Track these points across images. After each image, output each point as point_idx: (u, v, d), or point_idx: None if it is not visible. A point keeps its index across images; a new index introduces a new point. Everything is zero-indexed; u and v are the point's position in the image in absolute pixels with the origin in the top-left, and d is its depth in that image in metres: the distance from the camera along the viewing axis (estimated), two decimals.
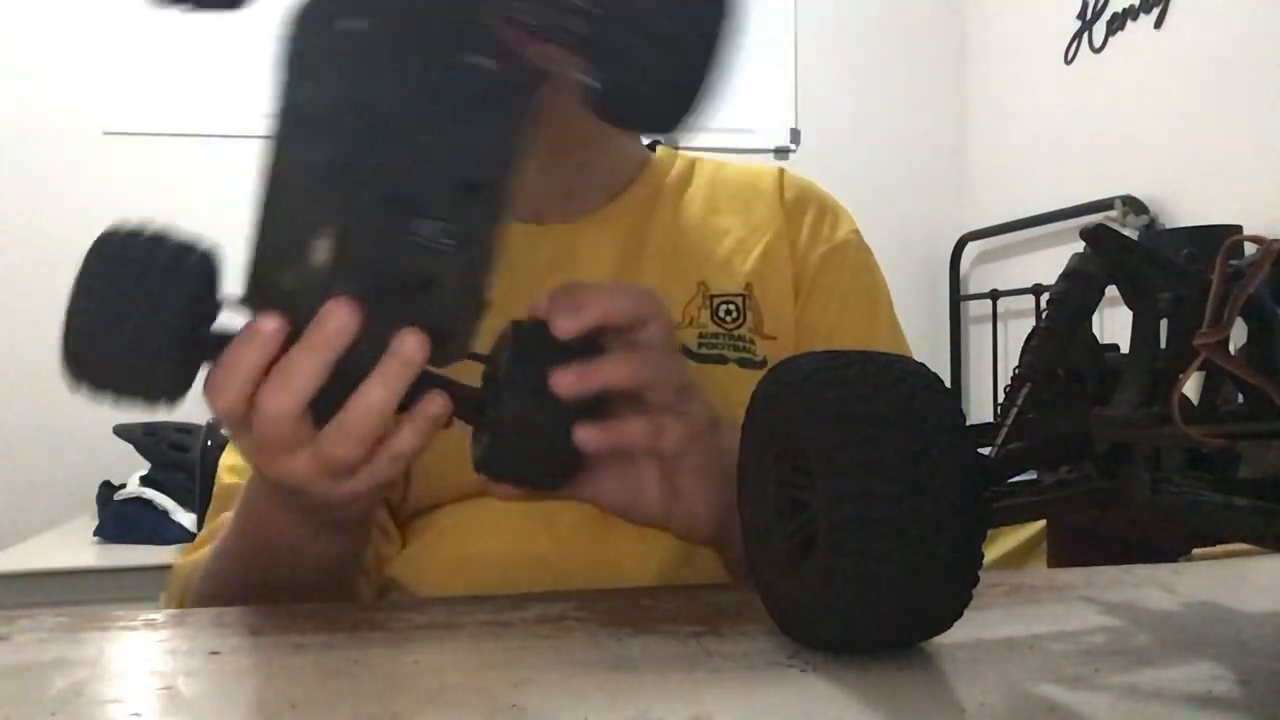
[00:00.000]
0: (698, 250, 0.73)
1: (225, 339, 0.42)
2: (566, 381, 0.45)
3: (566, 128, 0.66)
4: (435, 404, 0.44)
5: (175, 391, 0.42)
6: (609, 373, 0.47)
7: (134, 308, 0.40)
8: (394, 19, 0.37)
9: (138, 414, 0.48)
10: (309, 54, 0.38)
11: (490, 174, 0.39)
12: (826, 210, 0.77)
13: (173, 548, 1.73)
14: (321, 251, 0.40)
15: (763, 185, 0.78)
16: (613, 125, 0.43)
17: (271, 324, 0.41)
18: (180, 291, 0.41)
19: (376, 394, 0.42)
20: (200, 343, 0.42)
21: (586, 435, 0.46)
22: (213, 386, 0.42)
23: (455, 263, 0.40)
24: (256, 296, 0.41)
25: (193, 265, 0.41)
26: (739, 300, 0.71)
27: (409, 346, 0.41)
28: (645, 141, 0.80)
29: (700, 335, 0.70)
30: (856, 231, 0.77)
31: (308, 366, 0.41)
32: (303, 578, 0.54)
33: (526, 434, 0.45)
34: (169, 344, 0.40)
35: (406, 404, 0.43)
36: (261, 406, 0.42)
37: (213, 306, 0.42)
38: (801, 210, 0.76)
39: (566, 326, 0.46)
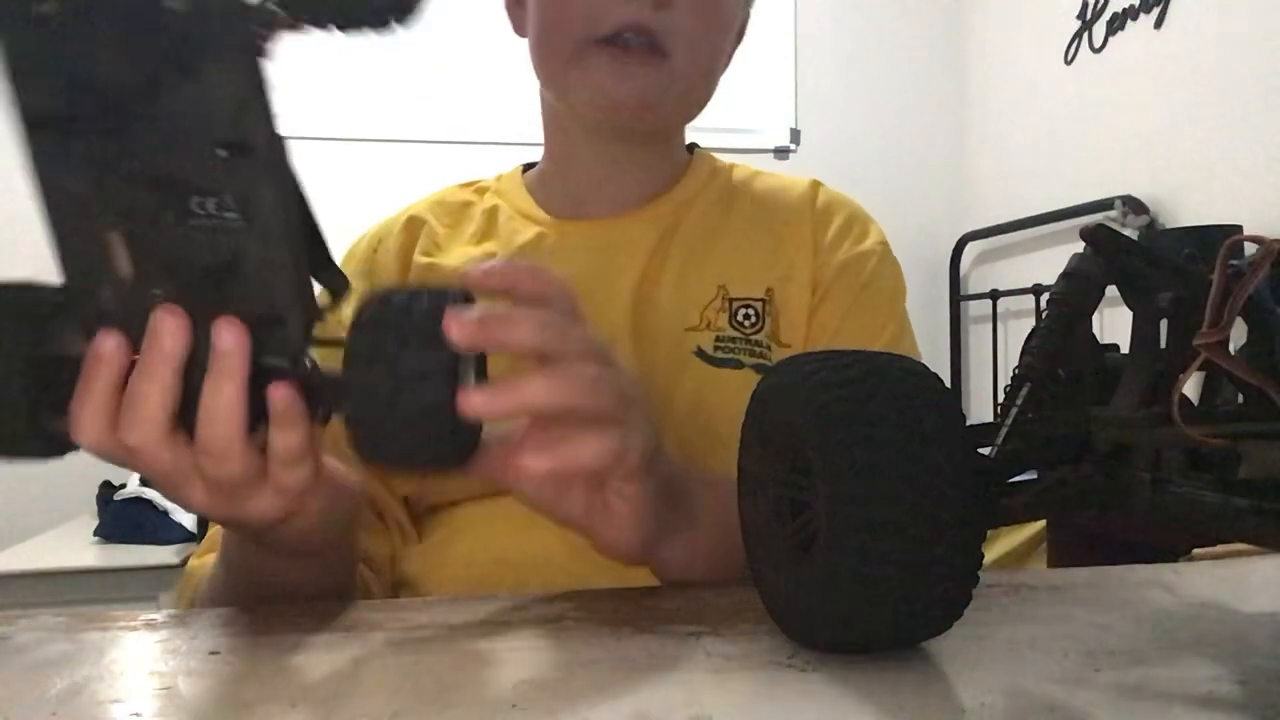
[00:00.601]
0: (721, 254, 0.73)
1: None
2: (475, 403, 0.41)
3: (652, 132, 0.67)
4: (276, 397, 0.40)
5: (49, 444, 0.41)
6: (531, 394, 0.43)
7: None
8: None
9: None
10: (13, 51, 0.34)
11: (247, 127, 0.35)
12: (856, 219, 0.77)
13: (173, 548, 1.73)
14: (120, 260, 0.37)
15: (794, 194, 0.78)
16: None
17: (109, 344, 0.39)
18: (20, 339, 0.39)
19: (213, 399, 0.39)
20: (57, 384, 0.40)
21: (475, 400, 0.41)
22: (75, 427, 0.40)
23: (250, 238, 0.37)
24: (88, 321, 0.39)
25: (27, 309, 0.40)
26: (759, 305, 0.71)
27: (224, 340, 0.38)
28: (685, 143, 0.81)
29: (717, 338, 0.69)
30: (884, 243, 0.76)
31: (153, 391, 0.39)
32: (295, 597, 0.53)
33: (377, 410, 0.40)
34: (20, 398, 0.39)
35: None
36: (125, 444, 0.40)
37: (58, 347, 0.40)
38: (829, 217, 0.76)
39: (456, 334, 0.41)
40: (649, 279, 0.71)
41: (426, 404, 0.40)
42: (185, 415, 0.40)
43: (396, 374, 0.40)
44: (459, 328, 0.40)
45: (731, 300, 0.71)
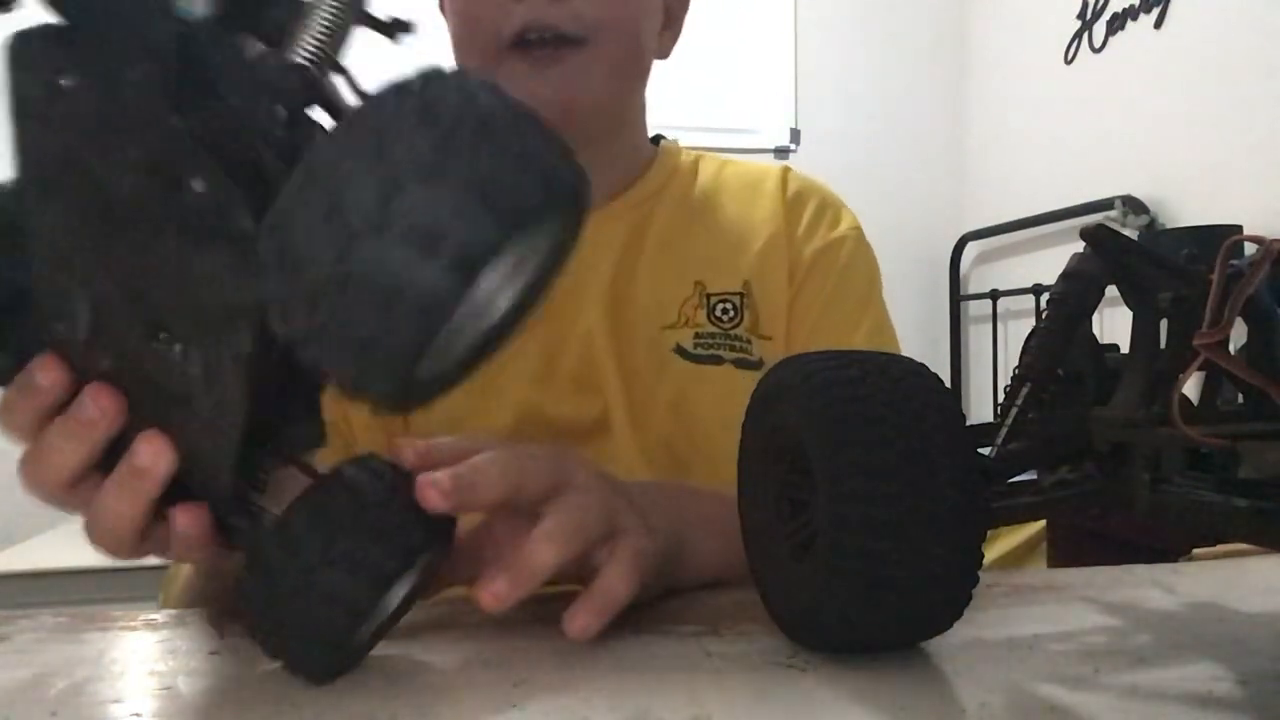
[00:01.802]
0: (696, 248, 0.73)
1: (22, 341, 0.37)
2: (492, 593, 0.39)
3: (575, 127, 0.67)
4: (181, 519, 0.37)
5: None
6: (530, 578, 0.40)
7: None
8: (111, 82, 0.31)
9: None
10: (32, 103, 0.33)
11: (232, 321, 0.32)
12: (828, 206, 0.77)
13: None
14: (83, 317, 0.35)
15: (766, 183, 0.77)
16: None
17: (48, 377, 0.37)
18: None
19: (111, 500, 0.37)
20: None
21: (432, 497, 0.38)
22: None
23: (204, 396, 0.34)
24: (36, 336, 0.37)
25: None
26: (736, 299, 0.71)
27: (142, 455, 0.36)
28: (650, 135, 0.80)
29: (696, 335, 0.69)
30: (857, 228, 0.76)
31: (66, 449, 0.37)
32: None
33: (282, 619, 0.35)
34: None
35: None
36: (23, 478, 0.39)
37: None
38: (801, 205, 0.76)
39: (437, 501, 0.38)
40: (623, 277, 0.71)
41: (333, 614, 0.35)
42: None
43: (311, 584, 0.34)
44: (438, 497, 0.38)
45: (709, 295, 0.70)
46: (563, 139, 0.28)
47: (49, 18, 0.32)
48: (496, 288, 0.30)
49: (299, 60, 0.31)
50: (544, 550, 0.40)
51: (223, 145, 0.31)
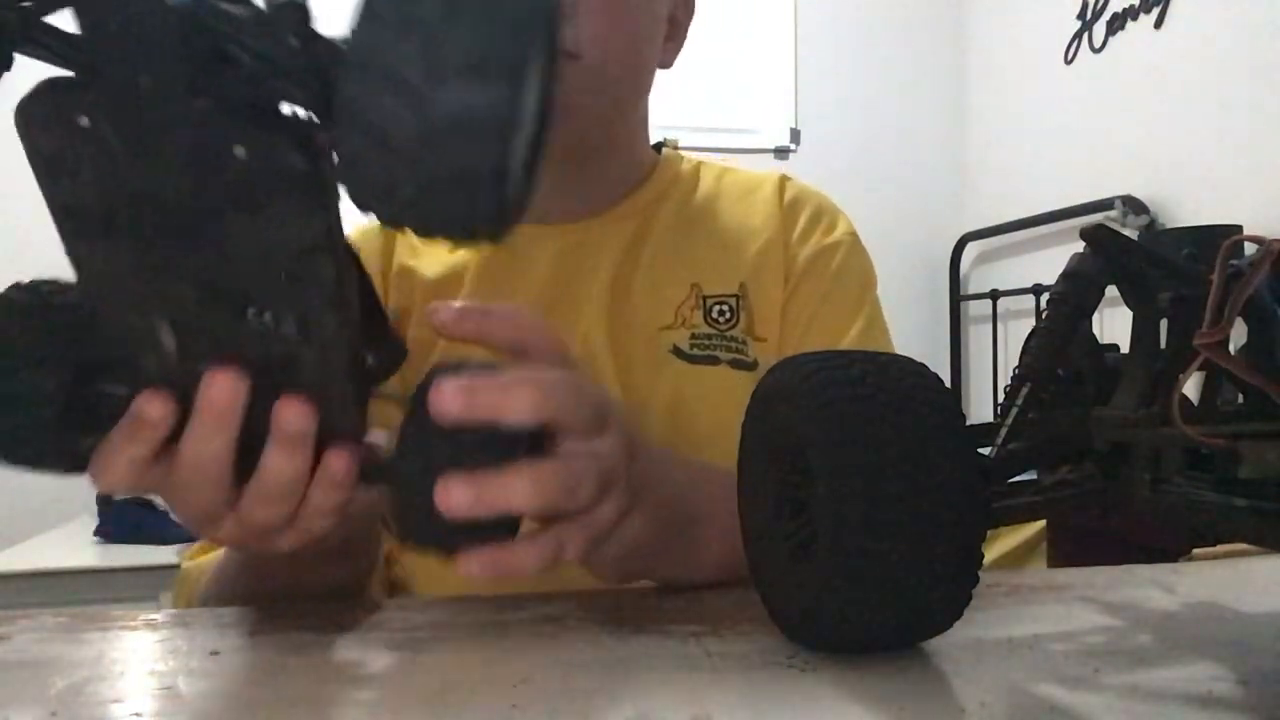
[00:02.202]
0: (693, 251, 0.73)
1: (116, 405, 0.38)
2: (454, 497, 0.37)
3: (573, 125, 0.67)
4: (335, 463, 0.39)
5: (66, 461, 0.40)
6: (511, 493, 0.38)
7: (13, 376, 0.38)
8: (137, 113, 0.31)
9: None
10: (58, 158, 0.33)
11: (313, 263, 0.34)
12: (824, 212, 0.77)
13: (173, 548, 1.73)
14: (167, 338, 0.36)
15: (763, 189, 0.78)
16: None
17: (155, 409, 0.37)
18: (57, 358, 0.38)
19: (276, 463, 0.38)
20: (90, 406, 0.39)
21: (455, 496, 0.37)
22: (99, 471, 0.39)
23: (306, 350, 0.36)
24: (129, 377, 0.38)
25: (68, 324, 0.38)
26: (733, 301, 0.71)
27: (286, 418, 0.37)
28: (652, 142, 0.80)
29: (693, 336, 0.70)
30: (852, 234, 0.77)
31: (206, 451, 0.38)
32: (311, 594, 0.52)
33: (422, 498, 0.38)
34: (50, 415, 0.38)
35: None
36: (169, 499, 0.40)
37: (98, 366, 0.39)
38: (798, 211, 0.76)
39: (458, 500, 0.38)
40: (621, 280, 0.71)
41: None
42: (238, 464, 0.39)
43: (435, 465, 0.38)
44: (448, 399, 0.37)
45: (705, 298, 0.71)
46: None
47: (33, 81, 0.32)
48: (526, 93, 0.32)
49: None
50: (523, 490, 0.39)
51: (250, 102, 0.31)
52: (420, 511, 0.39)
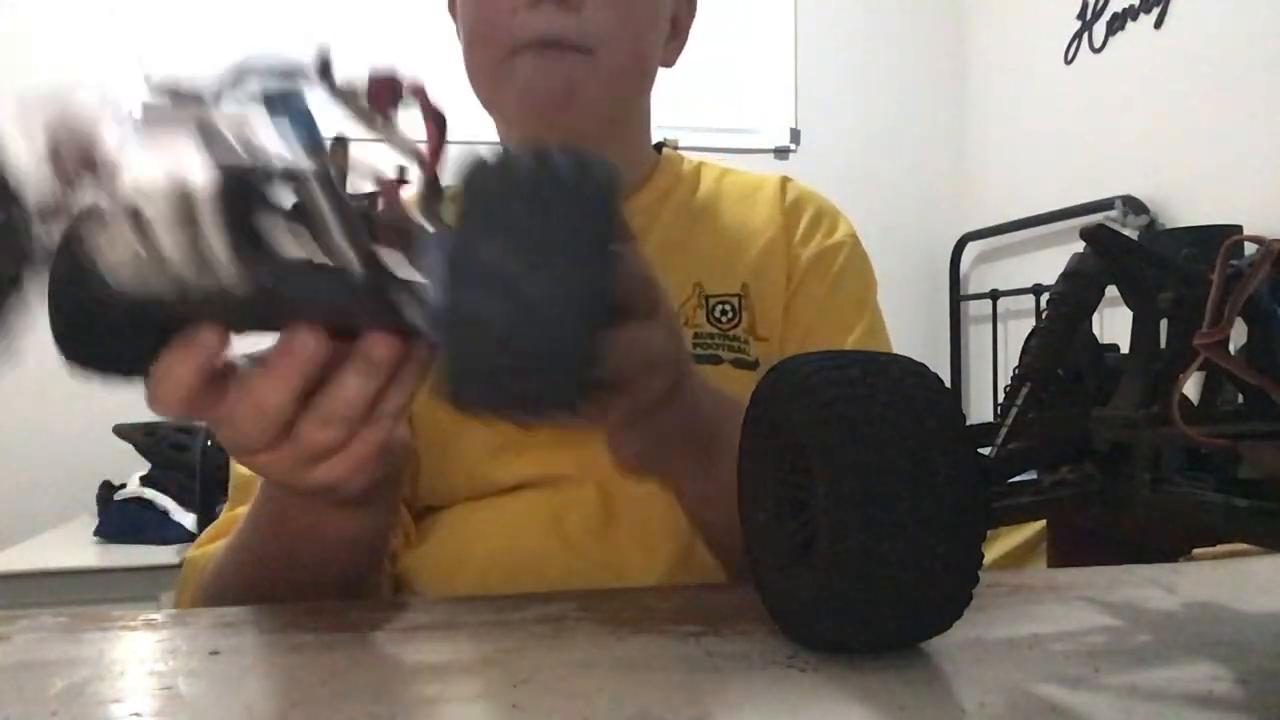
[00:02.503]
0: (696, 251, 0.73)
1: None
2: None
3: (574, 114, 0.67)
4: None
5: (135, 367, 0.40)
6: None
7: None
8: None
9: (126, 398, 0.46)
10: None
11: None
12: (825, 213, 0.78)
13: (173, 547, 1.73)
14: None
15: (765, 190, 0.78)
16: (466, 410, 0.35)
17: (211, 339, 0.38)
18: None
19: (353, 385, 0.39)
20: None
21: None
22: (154, 397, 0.40)
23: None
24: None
25: None
26: (735, 300, 0.72)
27: (378, 351, 0.39)
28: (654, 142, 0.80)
29: (695, 335, 0.70)
30: (853, 235, 0.78)
31: (274, 396, 0.39)
32: (329, 556, 0.52)
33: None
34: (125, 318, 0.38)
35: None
36: (217, 426, 0.41)
37: None
38: (799, 212, 0.77)
39: None
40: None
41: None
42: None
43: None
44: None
45: (708, 297, 0.71)
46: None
47: None
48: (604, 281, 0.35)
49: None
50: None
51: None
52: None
